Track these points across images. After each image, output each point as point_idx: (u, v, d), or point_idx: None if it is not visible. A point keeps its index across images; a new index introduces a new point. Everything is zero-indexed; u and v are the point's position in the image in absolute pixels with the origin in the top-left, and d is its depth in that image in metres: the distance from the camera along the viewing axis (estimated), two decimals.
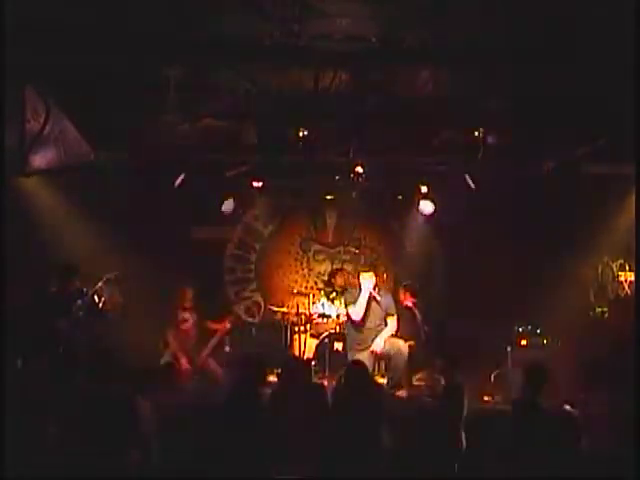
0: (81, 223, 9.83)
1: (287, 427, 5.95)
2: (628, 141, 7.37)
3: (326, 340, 9.84)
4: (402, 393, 8.87)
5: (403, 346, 8.69)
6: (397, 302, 9.47)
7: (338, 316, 10.22)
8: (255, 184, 10.46)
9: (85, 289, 8.71)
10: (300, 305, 10.47)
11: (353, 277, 10.91)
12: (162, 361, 8.68)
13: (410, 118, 8.55)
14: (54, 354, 7.87)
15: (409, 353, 8.83)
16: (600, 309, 10.15)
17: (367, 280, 8.79)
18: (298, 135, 8.56)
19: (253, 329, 11.15)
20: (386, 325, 8.85)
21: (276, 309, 10.80)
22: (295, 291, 11.17)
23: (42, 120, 8.11)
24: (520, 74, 7.57)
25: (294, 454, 5.78)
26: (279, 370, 7.09)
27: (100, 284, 8.88)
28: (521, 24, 6.71)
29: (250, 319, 11.46)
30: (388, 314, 8.87)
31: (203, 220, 11.07)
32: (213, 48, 7.26)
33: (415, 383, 9.51)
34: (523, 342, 9.60)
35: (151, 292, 9.72)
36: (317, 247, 11.79)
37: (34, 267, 9.07)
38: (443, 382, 7.36)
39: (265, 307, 11.37)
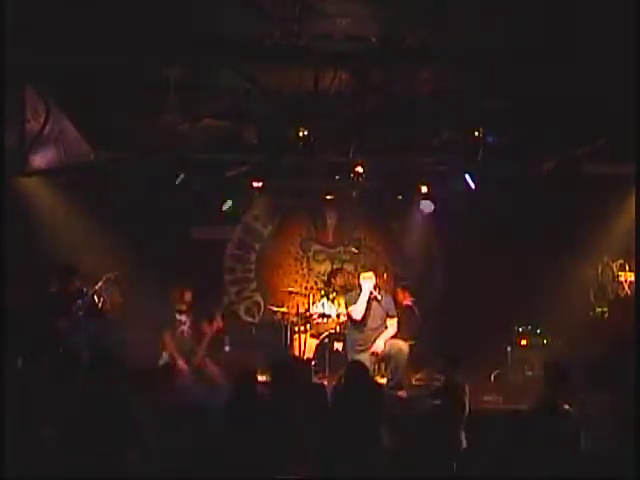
0: (81, 223, 9.83)
1: (287, 427, 5.94)
2: (628, 141, 7.37)
3: (326, 340, 9.84)
4: (402, 393, 8.87)
5: (403, 346, 8.68)
6: (397, 302, 9.47)
7: (338, 316, 10.21)
8: (255, 184, 10.45)
9: (85, 289, 8.70)
10: (300, 305, 10.47)
11: (353, 277, 10.92)
12: (160, 362, 8.67)
13: (410, 118, 8.55)
14: (54, 354, 7.86)
15: (409, 353, 8.82)
16: (600, 309, 10.15)
17: (367, 281, 8.78)
18: (298, 135, 8.56)
19: (253, 329, 11.16)
20: (386, 326, 8.84)
21: (276, 309, 10.79)
22: (295, 291, 11.17)
23: (42, 120, 8.12)
24: (520, 74, 7.57)
25: (294, 454, 5.77)
26: (277, 370, 7.07)
27: (100, 284, 8.88)
28: (521, 24, 6.71)
29: (250, 319, 11.46)
30: (389, 315, 8.86)
31: (203, 220, 11.07)
32: (213, 48, 7.27)
33: (415, 383, 9.51)
34: (523, 342, 9.60)
35: (151, 292, 9.72)
36: (317, 247, 11.79)
37: (34, 267, 9.07)
38: (443, 382, 7.36)
39: (265, 307, 11.37)
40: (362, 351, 8.70)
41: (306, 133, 8.52)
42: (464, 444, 6.52)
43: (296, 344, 10.09)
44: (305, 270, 11.73)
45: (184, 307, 9.09)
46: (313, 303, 10.63)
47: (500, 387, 9.36)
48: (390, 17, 6.79)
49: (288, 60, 7.51)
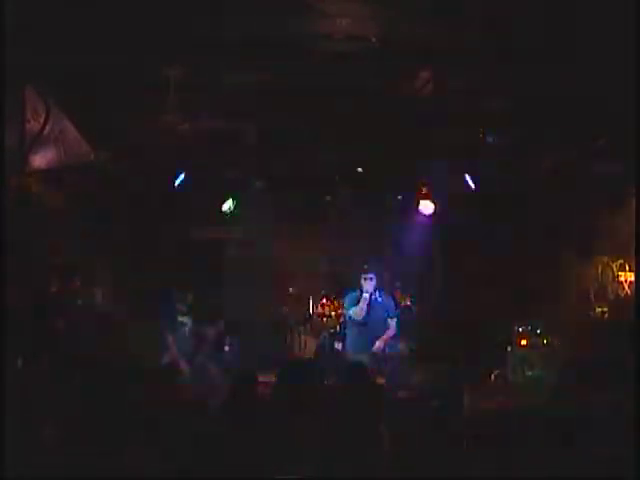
0: (81, 223, 9.83)
1: (287, 427, 5.94)
2: (628, 141, 7.37)
3: (326, 340, 9.84)
4: (402, 393, 8.87)
5: (403, 347, 8.68)
6: (395, 303, 9.47)
7: (338, 316, 10.21)
8: (255, 184, 10.45)
9: (85, 289, 8.71)
10: (300, 305, 10.48)
11: (353, 278, 10.94)
12: (161, 362, 8.67)
13: (410, 118, 8.55)
14: (54, 354, 7.87)
15: (409, 353, 8.83)
16: (600, 309, 10.15)
17: (368, 282, 8.78)
18: (298, 135, 8.56)
19: (253, 329, 11.17)
20: (387, 327, 8.84)
21: (277, 309, 10.80)
22: (295, 291, 11.17)
23: (42, 120, 8.12)
24: (520, 74, 7.57)
25: (294, 454, 5.77)
26: (279, 370, 7.08)
27: (100, 284, 8.89)
28: (521, 24, 6.71)
29: (250, 319, 11.46)
30: (389, 316, 8.87)
31: (203, 220, 11.07)
32: (213, 48, 7.27)
33: (415, 383, 9.51)
34: (523, 342, 9.60)
35: (151, 292, 9.73)
36: (317, 247, 11.79)
37: (34, 267, 9.07)
38: (441, 382, 7.36)
39: (266, 307, 11.37)
40: (362, 351, 8.70)
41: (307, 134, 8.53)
42: (464, 444, 6.52)
43: (296, 344, 10.10)
44: (305, 270, 11.73)
45: (185, 309, 9.09)
46: (313, 303, 10.64)
47: (500, 387, 9.36)
48: (390, 17, 6.79)
49: (288, 60, 7.51)
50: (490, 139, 8.67)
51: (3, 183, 6.79)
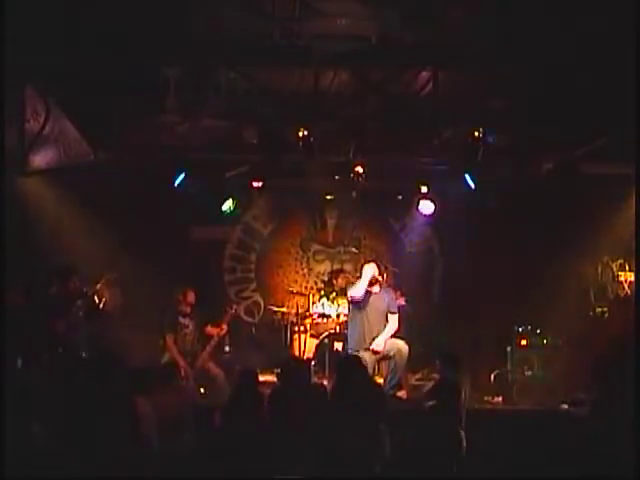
0: (81, 223, 9.83)
1: (287, 427, 5.95)
2: (628, 141, 7.36)
3: (326, 340, 9.84)
4: (402, 393, 8.87)
5: (403, 346, 8.67)
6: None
7: (338, 316, 10.21)
8: (255, 184, 10.44)
9: (85, 289, 8.71)
10: (300, 305, 10.47)
11: (353, 277, 10.93)
12: (162, 361, 8.67)
13: (410, 118, 8.55)
14: (54, 354, 7.87)
15: (409, 353, 8.81)
16: (600, 309, 10.15)
17: (369, 268, 8.76)
18: (298, 135, 8.55)
19: (253, 329, 11.16)
20: (387, 321, 8.82)
21: (276, 309, 10.79)
22: (295, 291, 11.17)
23: (42, 120, 8.13)
24: (520, 74, 7.57)
25: (294, 454, 5.77)
26: (279, 370, 7.08)
27: (100, 284, 8.88)
28: (521, 24, 6.71)
29: (250, 319, 11.46)
30: (390, 311, 8.84)
31: (203, 220, 11.07)
32: (213, 48, 7.27)
33: (415, 383, 9.51)
34: (523, 342, 9.59)
35: (151, 292, 9.72)
36: (317, 247, 11.79)
37: (34, 267, 9.07)
38: (437, 382, 7.36)
39: (265, 307, 11.36)
40: (362, 350, 8.70)
41: (306, 133, 8.51)
42: (464, 444, 6.52)
43: (296, 344, 10.09)
44: (305, 270, 11.72)
45: (187, 310, 9.08)
46: (313, 303, 10.63)
47: (500, 387, 9.36)
48: (390, 17, 6.79)
49: (288, 60, 7.51)
50: (490, 139, 8.66)
51: (3, 183, 6.79)
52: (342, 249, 11.78)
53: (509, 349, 9.55)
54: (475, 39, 7.04)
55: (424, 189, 10.47)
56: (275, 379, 8.24)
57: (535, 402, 9.00)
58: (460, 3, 6.59)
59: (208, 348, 9.06)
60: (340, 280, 10.76)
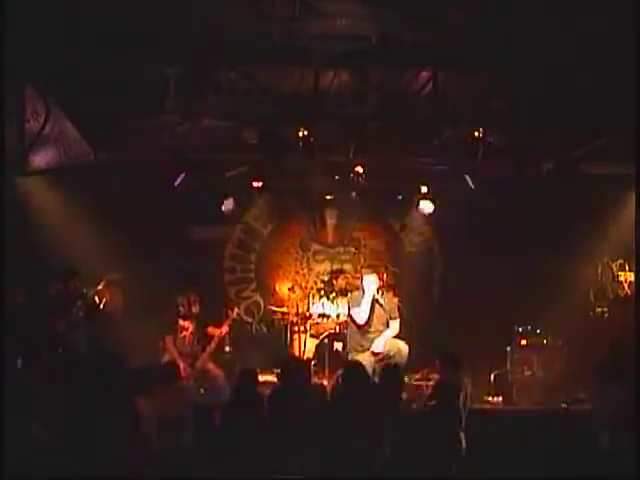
0: (81, 223, 9.82)
1: (287, 427, 5.95)
2: (628, 141, 7.37)
3: (326, 340, 9.83)
4: (402, 393, 8.86)
5: (403, 347, 8.67)
6: None
7: (338, 316, 10.20)
8: (255, 184, 10.44)
9: (85, 290, 8.71)
10: (300, 305, 10.46)
11: (353, 278, 10.94)
12: (162, 362, 8.66)
13: (410, 118, 8.55)
14: (54, 354, 7.87)
15: (408, 353, 8.81)
16: (600, 309, 10.15)
17: (371, 282, 8.77)
18: (298, 135, 8.55)
19: (253, 329, 11.16)
20: (388, 327, 8.84)
21: (276, 309, 10.79)
22: (295, 291, 11.16)
23: (42, 120, 8.13)
24: (520, 74, 7.57)
25: (294, 454, 5.78)
26: (279, 370, 7.08)
27: (100, 285, 8.88)
28: (521, 24, 6.71)
29: (250, 319, 11.45)
30: (391, 317, 8.87)
31: (203, 220, 11.06)
32: (213, 48, 7.26)
33: (415, 383, 9.51)
34: (523, 342, 9.60)
35: (151, 293, 9.72)
36: (317, 247, 11.78)
37: (34, 267, 9.07)
38: (437, 383, 7.36)
39: (265, 307, 11.36)
40: (362, 351, 8.70)
41: (306, 133, 8.51)
42: (464, 444, 6.52)
43: (296, 344, 10.09)
44: (305, 270, 11.71)
45: (189, 314, 9.06)
46: (313, 303, 10.63)
47: (500, 387, 9.36)
48: (390, 17, 6.79)
49: (288, 60, 7.51)
50: (490, 139, 8.66)
51: (3, 183, 6.79)
52: (342, 249, 11.77)
53: (509, 349, 9.56)
54: (475, 39, 7.04)
55: (424, 189, 10.47)
56: (275, 379, 8.24)
57: (535, 402, 9.01)
58: (460, 3, 6.59)
59: (208, 349, 9.05)
60: (340, 280, 10.76)
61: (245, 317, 11.41)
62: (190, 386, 8.54)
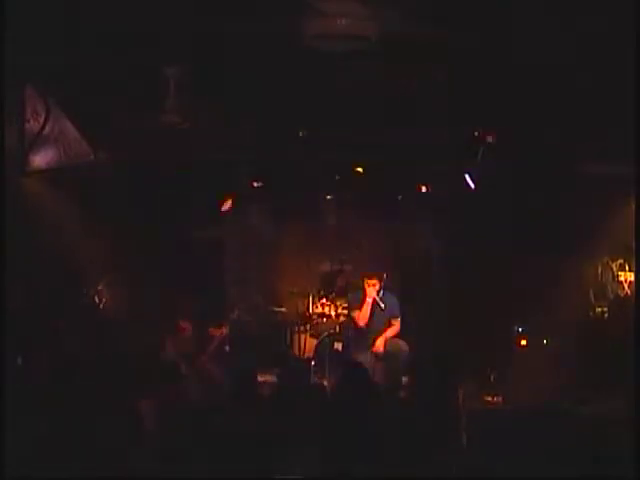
0: (81, 223, 9.82)
1: (287, 427, 5.95)
2: (628, 141, 7.37)
3: (326, 340, 9.84)
4: (402, 393, 8.86)
5: (403, 346, 8.68)
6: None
7: (338, 316, 10.21)
8: (255, 184, 10.44)
9: (85, 290, 8.71)
10: (300, 305, 10.46)
11: (354, 278, 10.94)
12: (162, 362, 8.67)
13: (410, 118, 8.55)
14: (54, 354, 7.87)
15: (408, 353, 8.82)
16: (600, 309, 10.15)
17: (371, 287, 8.80)
18: (298, 135, 8.56)
19: (253, 329, 11.15)
20: (390, 325, 8.85)
21: (276, 309, 10.79)
22: (295, 291, 11.16)
23: (42, 120, 8.13)
24: (520, 74, 7.57)
25: (294, 454, 5.78)
26: (279, 370, 7.09)
27: (100, 285, 8.89)
28: (521, 24, 6.71)
29: (250, 319, 11.44)
30: (392, 317, 8.88)
31: (203, 220, 11.06)
32: (213, 48, 7.27)
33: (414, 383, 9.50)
34: (523, 342, 9.60)
35: (151, 292, 9.72)
36: (317, 247, 11.78)
37: (34, 267, 9.07)
38: (435, 382, 7.36)
39: (265, 307, 11.36)
40: (362, 351, 8.71)
41: (306, 133, 8.52)
42: (464, 444, 6.51)
43: (296, 344, 10.09)
44: (305, 270, 11.71)
45: (189, 314, 9.07)
46: (313, 303, 10.63)
47: (500, 387, 9.37)
48: (390, 17, 6.79)
49: (289, 60, 7.51)
50: (490, 139, 8.66)
51: (3, 183, 6.79)
52: (342, 249, 11.77)
53: (509, 349, 9.56)
54: (475, 39, 7.04)
55: (424, 189, 10.48)
56: (275, 379, 8.24)
57: (535, 402, 9.00)
58: (460, 3, 6.59)
59: (208, 349, 9.06)
60: (339, 280, 10.76)
61: (245, 317, 11.41)
62: (190, 386, 8.54)
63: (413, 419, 6.53)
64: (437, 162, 10.00)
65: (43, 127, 8.20)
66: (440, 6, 6.58)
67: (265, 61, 7.60)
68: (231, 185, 10.47)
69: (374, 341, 8.77)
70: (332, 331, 10.00)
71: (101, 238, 9.78)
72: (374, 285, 8.80)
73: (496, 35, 6.95)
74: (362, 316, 8.71)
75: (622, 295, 10.00)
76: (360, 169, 9.86)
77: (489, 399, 9.25)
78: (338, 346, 9.71)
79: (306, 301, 10.65)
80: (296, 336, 10.14)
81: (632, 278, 9.82)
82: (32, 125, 8.13)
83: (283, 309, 10.67)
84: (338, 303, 10.36)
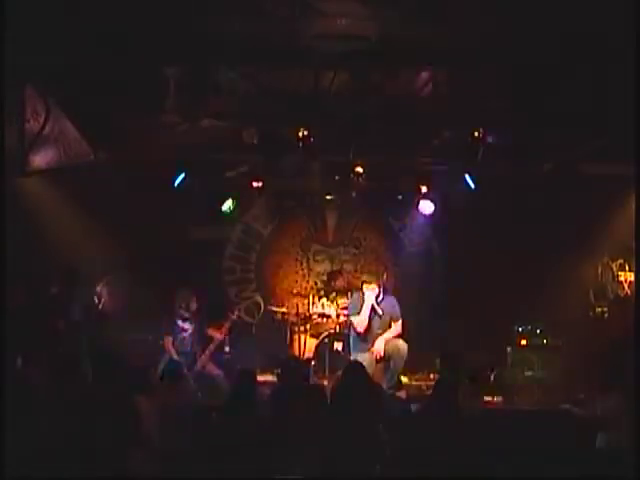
0: (81, 223, 9.83)
1: (287, 427, 5.95)
2: (628, 141, 7.37)
3: (326, 340, 9.83)
4: (402, 393, 8.87)
5: (403, 346, 8.68)
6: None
7: (338, 316, 10.21)
8: (255, 184, 10.44)
9: (85, 290, 8.71)
10: (300, 305, 10.46)
11: (353, 277, 10.95)
12: (161, 364, 8.67)
13: (410, 118, 8.55)
14: (54, 354, 7.87)
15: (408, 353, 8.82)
16: (600, 309, 10.16)
17: (370, 291, 8.80)
18: (298, 135, 8.56)
19: (253, 329, 11.15)
20: (390, 327, 8.85)
21: (276, 309, 10.79)
22: (295, 291, 11.16)
23: (42, 120, 8.12)
24: (520, 74, 7.57)
25: (294, 454, 5.78)
26: (279, 370, 7.08)
27: (100, 285, 8.89)
28: (521, 24, 6.71)
29: (250, 319, 11.45)
30: (392, 319, 8.88)
31: (203, 220, 11.07)
32: (213, 48, 7.26)
33: (414, 383, 9.52)
34: (523, 342, 9.60)
35: (150, 292, 9.72)
36: (317, 247, 11.78)
37: (34, 267, 9.07)
38: (435, 382, 7.36)
39: (265, 307, 11.36)
40: (362, 351, 8.71)
41: (306, 133, 8.52)
42: (463, 444, 6.51)
43: (296, 344, 10.09)
44: (305, 270, 11.72)
45: (187, 314, 9.07)
46: (313, 303, 10.62)
47: (500, 387, 9.36)
48: (390, 17, 6.78)
49: (288, 60, 7.51)
50: (490, 139, 8.66)
51: (3, 183, 6.79)
52: (342, 249, 11.77)
53: (509, 349, 9.56)
54: (475, 39, 7.04)
55: (424, 189, 10.48)
56: (275, 379, 8.24)
57: (535, 402, 9.01)
58: (460, 3, 6.59)
59: (208, 350, 9.07)
60: (340, 280, 10.76)
61: (245, 317, 11.42)
62: (190, 386, 8.54)
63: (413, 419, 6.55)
64: (437, 162, 10.01)
65: (43, 127, 8.20)
66: (440, 6, 6.58)
67: (265, 61, 7.60)
68: (231, 185, 10.47)
69: (374, 342, 8.76)
70: (332, 331, 10.00)
71: (101, 238, 9.79)
72: (372, 290, 8.80)
73: (496, 35, 6.95)
74: (361, 322, 8.74)
75: (622, 295, 10.01)
76: (360, 169, 9.85)
77: (489, 399, 9.26)
78: (338, 346, 9.71)
79: (306, 301, 10.65)
80: (296, 336, 10.13)
81: (632, 278, 9.83)
82: (32, 125, 8.13)
83: (283, 309, 10.66)
84: (338, 303, 10.36)
